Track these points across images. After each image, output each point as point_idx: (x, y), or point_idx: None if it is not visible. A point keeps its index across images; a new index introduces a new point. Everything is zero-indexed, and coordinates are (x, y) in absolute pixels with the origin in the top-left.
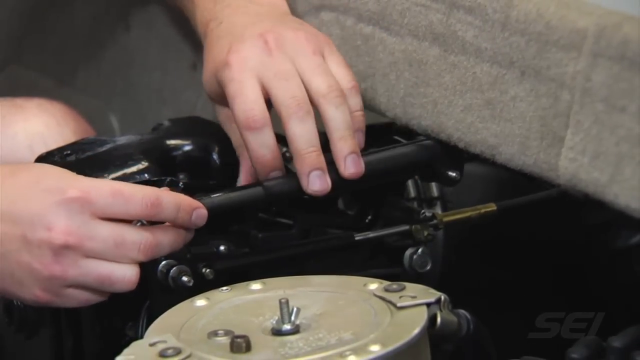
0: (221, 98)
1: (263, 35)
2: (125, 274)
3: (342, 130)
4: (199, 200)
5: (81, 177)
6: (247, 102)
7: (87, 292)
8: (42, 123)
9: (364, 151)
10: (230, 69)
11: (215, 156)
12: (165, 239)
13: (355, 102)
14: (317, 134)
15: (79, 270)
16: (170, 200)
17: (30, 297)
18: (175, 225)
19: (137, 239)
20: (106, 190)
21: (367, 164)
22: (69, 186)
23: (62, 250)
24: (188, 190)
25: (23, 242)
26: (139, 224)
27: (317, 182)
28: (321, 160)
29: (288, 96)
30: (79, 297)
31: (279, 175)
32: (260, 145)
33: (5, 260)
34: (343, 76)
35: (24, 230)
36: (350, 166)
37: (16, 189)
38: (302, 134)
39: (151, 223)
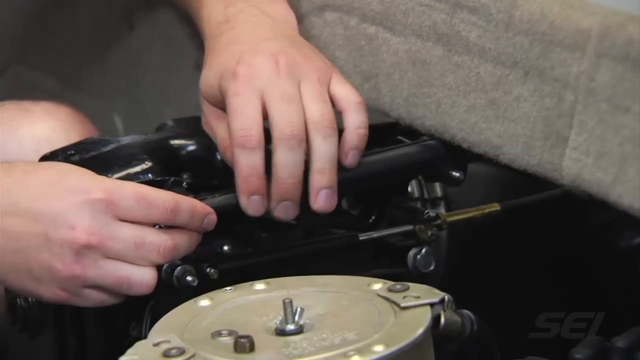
0: (217, 102)
1: (275, 55)
2: (144, 277)
3: (322, 162)
4: (202, 200)
5: (103, 178)
6: (246, 120)
7: (104, 293)
8: (48, 127)
9: (367, 151)
10: (236, 81)
11: (218, 156)
12: (182, 242)
13: (360, 119)
14: (302, 164)
15: (99, 271)
16: (186, 206)
17: (48, 295)
18: (188, 229)
19: (157, 241)
20: (130, 193)
21: (370, 164)
22: (94, 186)
23: (84, 250)
24: (191, 190)
25: (44, 240)
26: (157, 227)
27: (283, 211)
28: (297, 193)
29: (285, 120)
30: (95, 298)
31: (257, 199)
32: (249, 166)
33: (24, 257)
34: (348, 92)
35: (45, 228)
36: (321, 201)
37: (38, 187)
38: (287, 163)
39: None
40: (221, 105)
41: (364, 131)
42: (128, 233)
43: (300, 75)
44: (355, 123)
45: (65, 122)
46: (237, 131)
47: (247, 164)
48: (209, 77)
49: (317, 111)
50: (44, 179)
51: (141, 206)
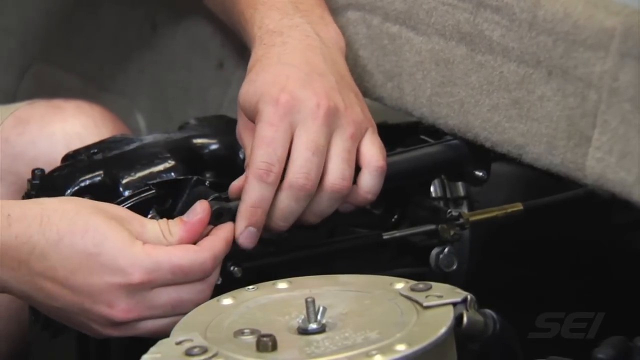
0: (252, 118)
1: (319, 96)
2: None
3: (314, 218)
4: (219, 205)
5: (138, 248)
6: (272, 156)
7: None
8: (79, 124)
9: (390, 151)
10: (275, 109)
11: (241, 155)
12: (215, 278)
13: (372, 184)
14: (299, 214)
15: (137, 332)
16: (223, 253)
17: (87, 333)
18: None
19: (194, 297)
20: (167, 268)
21: (393, 164)
22: (131, 267)
23: (122, 323)
24: (214, 189)
25: (81, 309)
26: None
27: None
28: (279, 230)
29: (303, 170)
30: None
31: (254, 232)
32: (259, 198)
33: (64, 314)
34: (373, 154)
35: (83, 300)
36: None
37: (75, 258)
38: (287, 210)
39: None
40: (253, 118)
41: (370, 197)
42: (165, 298)
43: (337, 125)
44: (366, 187)
45: (97, 120)
46: (259, 163)
47: (258, 195)
48: (249, 92)
49: (337, 172)
50: (81, 250)
51: (178, 277)
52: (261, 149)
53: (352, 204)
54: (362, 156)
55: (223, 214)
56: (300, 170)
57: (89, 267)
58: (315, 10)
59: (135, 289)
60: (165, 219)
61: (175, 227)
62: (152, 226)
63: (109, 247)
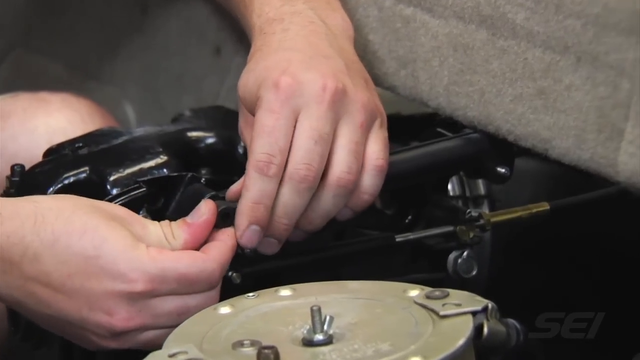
0: (251, 107)
1: (325, 77)
2: None
3: (317, 217)
4: (225, 205)
5: (142, 251)
6: (273, 145)
7: None
8: (65, 118)
9: (404, 146)
10: (276, 94)
11: (241, 150)
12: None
13: (371, 184)
14: (303, 209)
15: (137, 343)
16: (229, 262)
17: (82, 345)
18: None
19: (202, 302)
20: (172, 277)
21: (407, 160)
22: (133, 274)
23: (122, 333)
24: (211, 187)
25: (78, 317)
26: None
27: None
28: (284, 233)
29: (305, 160)
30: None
31: (256, 231)
32: (260, 193)
33: (57, 323)
34: (374, 152)
35: (79, 307)
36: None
37: (71, 261)
38: (288, 204)
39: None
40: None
41: (367, 197)
42: (169, 307)
43: (344, 111)
44: (365, 188)
45: (84, 115)
46: (260, 154)
47: (259, 189)
48: (248, 81)
49: (342, 165)
50: (79, 252)
51: (183, 287)
52: (261, 139)
53: (349, 208)
54: (364, 152)
55: (230, 215)
56: (301, 160)
57: (87, 271)
58: None
59: (138, 296)
60: (167, 221)
61: (178, 229)
62: (155, 228)
63: (110, 250)
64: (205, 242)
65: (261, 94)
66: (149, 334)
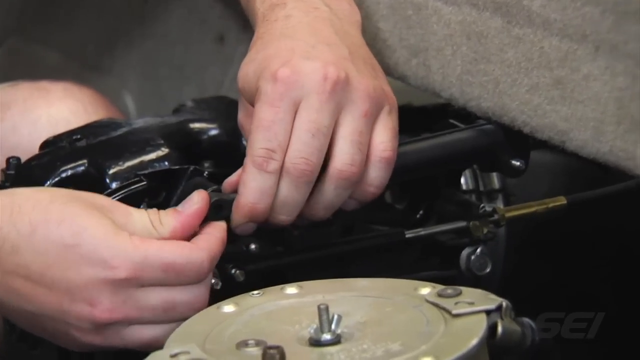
0: (251, 99)
1: (327, 66)
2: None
3: (322, 208)
4: (218, 197)
5: (124, 239)
6: (272, 141)
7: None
8: (67, 108)
9: (416, 137)
10: (275, 87)
11: (245, 142)
12: (210, 280)
13: (376, 176)
14: (302, 205)
15: (122, 340)
16: (219, 254)
17: (64, 345)
18: None
19: (188, 299)
20: (157, 264)
21: (418, 151)
22: (115, 261)
23: (105, 325)
24: (214, 181)
25: (59, 310)
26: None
27: (245, 231)
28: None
29: (302, 154)
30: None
31: (252, 226)
32: (259, 191)
33: (38, 320)
34: (381, 142)
35: (60, 299)
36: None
37: (50, 251)
38: (287, 200)
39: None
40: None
41: (373, 190)
42: (155, 300)
43: (347, 100)
44: (371, 180)
45: (87, 105)
46: (259, 149)
47: (258, 187)
48: (248, 72)
49: (344, 157)
50: (57, 241)
51: (169, 277)
52: (259, 133)
53: (354, 199)
54: (369, 141)
55: (223, 207)
56: (298, 154)
57: (67, 261)
58: None
59: (121, 284)
60: (155, 209)
61: (167, 217)
62: (140, 216)
63: (89, 238)
64: (196, 235)
65: (260, 86)
66: (134, 330)
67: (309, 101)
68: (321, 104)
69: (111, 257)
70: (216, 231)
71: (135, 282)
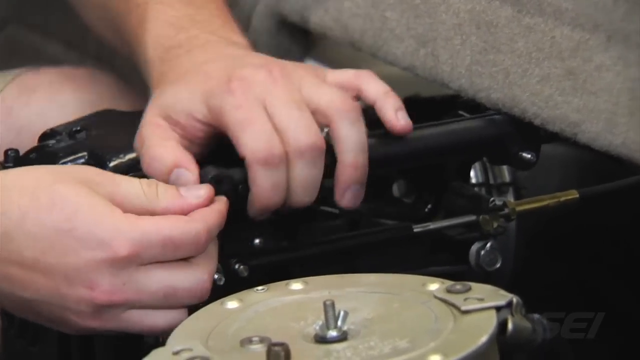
0: (195, 129)
1: (265, 66)
2: (172, 324)
3: (354, 154)
4: (217, 171)
5: (120, 218)
6: (262, 134)
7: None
8: (96, 92)
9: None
10: (234, 95)
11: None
12: (214, 266)
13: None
14: (320, 180)
15: (121, 324)
16: (217, 227)
17: (60, 329)
18: None
19: (190, 286)
20: (156, 240)
21: (424, 138)
22: (114, 240)
23: (104, 308)
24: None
25: (56, 294)
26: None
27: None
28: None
29: (302, 128)
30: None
31: (269, 213)
32: (273, 186)
33: (34, 307)
34: (333, 99)
35: (57, 283)
36: (350, 198)
37: (44, 235)
38: (306, 179)
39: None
40: (201, 128)
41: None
42: (156, 283)
43: (297, 78)
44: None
45: (115, 91)
46: (255, 148)
47: (270, 182)
48: (190, 104)
49: (335, 98)
50: (50, 224)
51: (168, 251)
52: (245, 133)
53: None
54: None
55: (223, 182)
56: (296, 131)
57: (63, 246)
58: (214, 21)
59: (121, 264)
60: (154, 179)
61: (167, 193)
62: (129, 185)
63: (83, 220)
64: None
65: (215, 104)
66: (133, 315)
67: (273, 92)
68: (283, 87)
69: (109, 238)
70: (215, 204)
71: (136, 260)
